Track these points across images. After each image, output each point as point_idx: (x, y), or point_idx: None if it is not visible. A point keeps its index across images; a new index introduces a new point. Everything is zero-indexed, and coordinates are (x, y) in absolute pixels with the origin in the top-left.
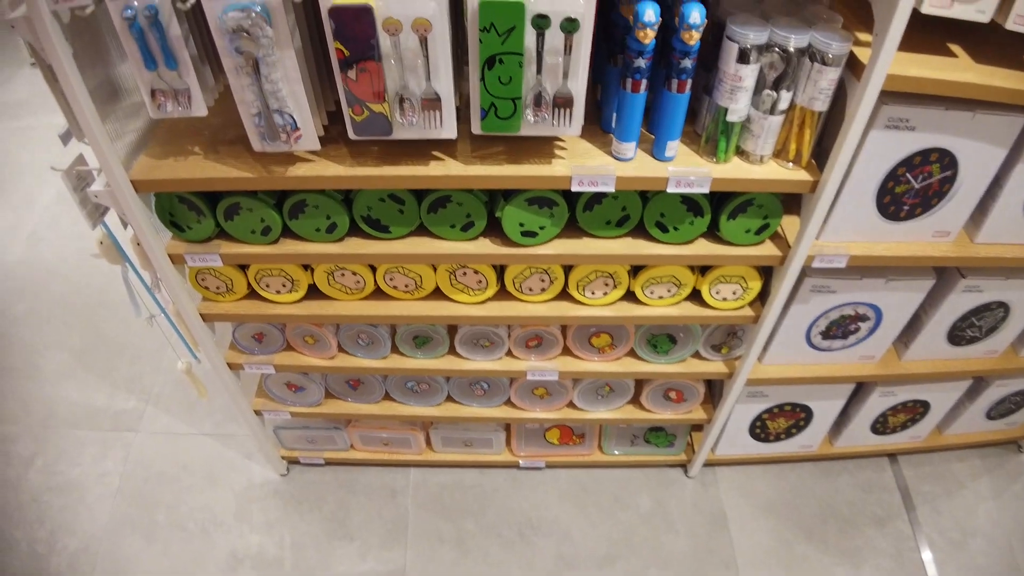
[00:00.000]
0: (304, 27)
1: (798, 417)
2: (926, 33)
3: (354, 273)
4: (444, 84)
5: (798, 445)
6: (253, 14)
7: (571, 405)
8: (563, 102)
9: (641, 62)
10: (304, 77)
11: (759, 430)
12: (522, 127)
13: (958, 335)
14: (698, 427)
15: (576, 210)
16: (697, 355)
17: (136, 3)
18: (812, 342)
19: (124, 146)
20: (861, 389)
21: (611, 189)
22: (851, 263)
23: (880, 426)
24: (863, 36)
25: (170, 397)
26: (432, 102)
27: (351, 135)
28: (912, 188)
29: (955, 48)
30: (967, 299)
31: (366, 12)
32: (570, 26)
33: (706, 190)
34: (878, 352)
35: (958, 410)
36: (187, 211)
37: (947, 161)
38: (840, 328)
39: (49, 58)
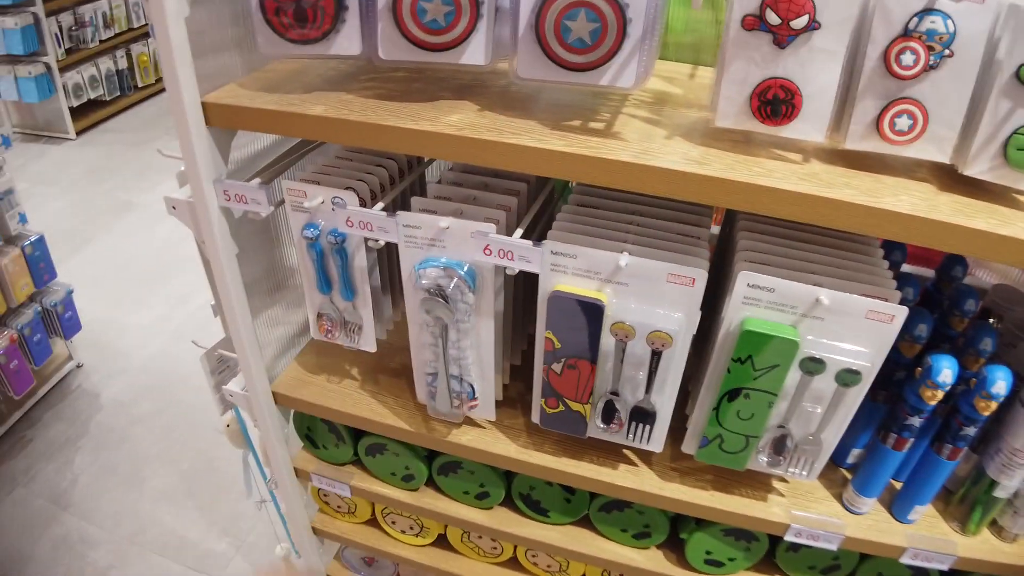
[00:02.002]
0: (510, 288)
1: None
2: None
3: (493, 539)
4: (667, 401)
5: None
6: (456, 277)
7: None
8: (809, 452)
9: (916, 421)
10: (497, 344)
11: None
12: (748, 465)
13: None
14: None
15: (778, 547)
16: None
17: (321, 223)
18: None
19: (277, 338)
20: None
21: (833, 548)
22: None
23: None
24: None
25: (264, 550)
26: (645, 414)
27: (535, 421)
28: None
29: None
30: None
31: (595, 310)
32: (849, 379)
33: (945, 568)
34: None
35: None
36: (327, 432)
37: None
38: None
39: (207, 253)
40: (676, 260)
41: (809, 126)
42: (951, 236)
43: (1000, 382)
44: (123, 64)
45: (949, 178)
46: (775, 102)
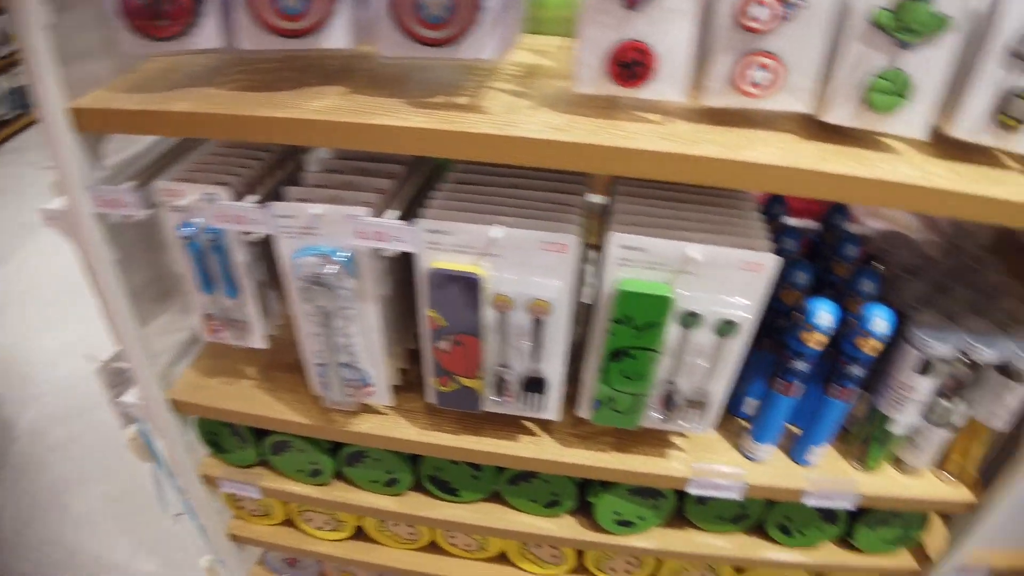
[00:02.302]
0: (395, 272)
1: None
2: None
3: (409, 524)
4: (554, 368)
5: None
6: (333, 264)
7: None
8: (698, 404)
9: (801, 365)
10: (386, 328)
11: None
12: (642, 422)
13: None
14: None
15: (686, 502)
16: None
17: (201, 221)
18: None
19: (171, 345)
20: None
21: (736, 497)
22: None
23: None
24: None
25: (193, 566)
26: (536, 383)
27: (432, 401)
28: None
29: None
30: None
31: (472, 284)
32: (728, 329)
33: (849, 507)
34: None
35: None
36: (230, 435)
37: None
38: None
39: (88, 260)
40: (548, 228)
41: (666, 86)
42: (812, 182)
43: (877, 319)
44: (24, 80)
45: (816, 128)
46: (631, 64)
